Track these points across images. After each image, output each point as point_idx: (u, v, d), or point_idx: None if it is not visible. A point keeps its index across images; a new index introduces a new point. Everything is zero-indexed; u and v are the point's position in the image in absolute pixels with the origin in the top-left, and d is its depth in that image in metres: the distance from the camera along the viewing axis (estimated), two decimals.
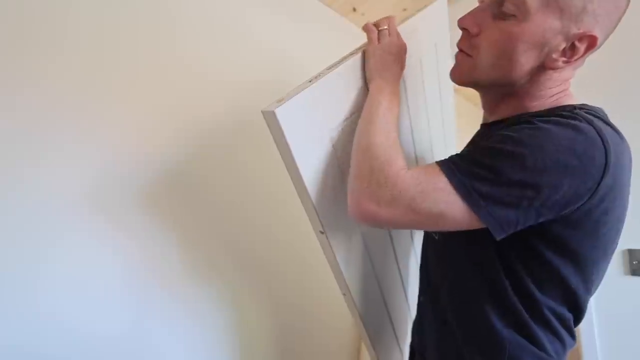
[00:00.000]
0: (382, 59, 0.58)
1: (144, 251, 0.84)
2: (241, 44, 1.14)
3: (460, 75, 0.53)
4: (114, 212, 0.80)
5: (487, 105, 0.58)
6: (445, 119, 0.92)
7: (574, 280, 0.49)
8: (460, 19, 0.50)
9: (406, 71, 0.64)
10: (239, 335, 1.02)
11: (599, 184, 0.41)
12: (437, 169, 0.44)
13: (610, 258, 0.51)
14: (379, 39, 0.60)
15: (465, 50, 0.51)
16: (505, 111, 0.53)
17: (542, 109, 0.49)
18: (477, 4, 0.51)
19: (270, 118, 0.48)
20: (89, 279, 0.75)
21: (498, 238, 0.43)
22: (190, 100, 0.98)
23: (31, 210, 0.69)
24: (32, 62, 0.71)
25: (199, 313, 0.93)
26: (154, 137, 0.89)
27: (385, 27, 0.61)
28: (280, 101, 0.49)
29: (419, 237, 0.88)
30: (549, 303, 0.50)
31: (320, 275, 1.24)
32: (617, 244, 0.50)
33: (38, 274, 0.69)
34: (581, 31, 0.43)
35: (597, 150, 0.40)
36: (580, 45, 0.44)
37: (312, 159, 0.54)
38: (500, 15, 0.45)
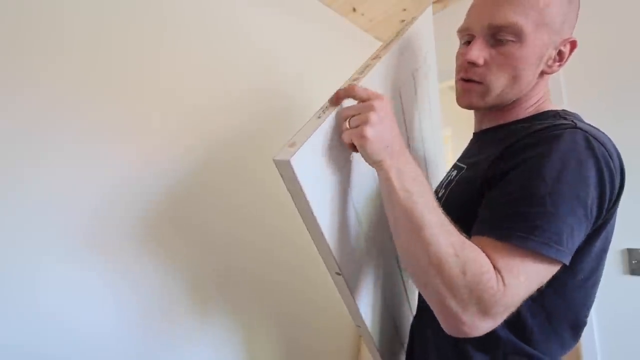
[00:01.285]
0: (381, 132, 0.45)
1: (148, 262, 0.84)
2: (242, 44, 1.14)
3: (472, 101, 0.57)
4: (115, 222, 0.80)
5: (482, 118, 0.64)
6: (434, 128, 0.92)
7: (590, 276, 0.50)
8: (465, 55, 0.55)
9: (402, 86, 0.63)
10: (240, 337, 1.02)
11: (614, 187, 0.45)
12: (510, 245, 0.42)
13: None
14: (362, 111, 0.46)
15: (476, 79, 0.55)
16: (499, 120, 0.59)
17: (529, 114, 0.56)
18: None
19: (285, 167, 0.43)
20: (90, 280, 0.76)
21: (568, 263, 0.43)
22: (191, 107, 0.98)
23: (31, 211, 0.69)
24: (32, 67, 0.71)
25: (204, 324, 0.94)
26: (163, 145, 0.89)
27: (355, 93, 0.47)
28: (293, 146, 0.43)
29: None
30: (560, 305, 0.50)
31: (320, 278, 1.24)
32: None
33: (38, 274, 0.69)
34: (564, 38, 0.52)
35: (610, 161, 0.44)
36: (565, 49, 0.53)
37: (326, 202, 0.49)
38: (498, 42, 0.52)
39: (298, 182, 0.44)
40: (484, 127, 0.63)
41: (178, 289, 0.90)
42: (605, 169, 0.43)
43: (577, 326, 0.53)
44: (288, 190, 0.47)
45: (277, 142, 1.19)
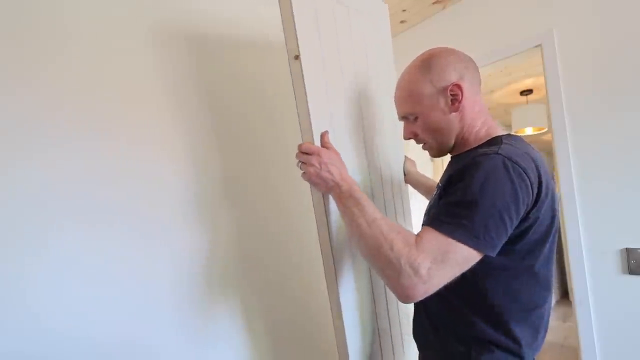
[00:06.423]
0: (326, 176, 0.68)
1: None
2: (242, 45, 1.14)
3: (434, 154, 0.81)
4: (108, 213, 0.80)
5: (450, 151, 0.83)
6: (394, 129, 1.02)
7: (543, 273, 0.65)
8: (404, 135, 0.80)
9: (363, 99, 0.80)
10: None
11: (529, 195, 0.59)
12: (442, 235, 0.56)
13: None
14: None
15: (422, 143, 0.79)
16: (460, 149, 0.77)
17: (481, 140, 0.71)
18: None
19: None
20: (78, 278, 0.75)
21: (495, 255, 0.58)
22: (197, 109, 0.98)
23: (24, 206, 0.69)
24: (31, 67, 0.71)
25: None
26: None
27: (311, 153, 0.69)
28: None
29: None
30: (529, 299, 0.65)
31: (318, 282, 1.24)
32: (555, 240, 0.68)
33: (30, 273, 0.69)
34: (444, 87, 0.69)
35: (525, 177, 0.58)
36: (455, 91, 0.68)
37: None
38: (414, 120, 0.75)
39: None
40: (453, 154, 0.82)
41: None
42: (518, 182, 0.57)
43: (536, 306, 0.66)
44: None
45: (280, 143, 1.20)
